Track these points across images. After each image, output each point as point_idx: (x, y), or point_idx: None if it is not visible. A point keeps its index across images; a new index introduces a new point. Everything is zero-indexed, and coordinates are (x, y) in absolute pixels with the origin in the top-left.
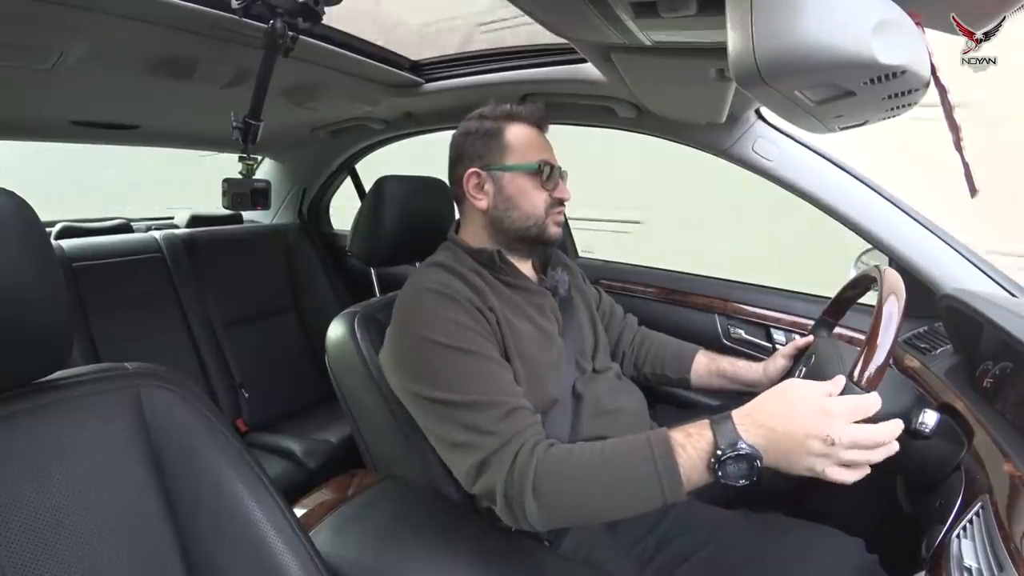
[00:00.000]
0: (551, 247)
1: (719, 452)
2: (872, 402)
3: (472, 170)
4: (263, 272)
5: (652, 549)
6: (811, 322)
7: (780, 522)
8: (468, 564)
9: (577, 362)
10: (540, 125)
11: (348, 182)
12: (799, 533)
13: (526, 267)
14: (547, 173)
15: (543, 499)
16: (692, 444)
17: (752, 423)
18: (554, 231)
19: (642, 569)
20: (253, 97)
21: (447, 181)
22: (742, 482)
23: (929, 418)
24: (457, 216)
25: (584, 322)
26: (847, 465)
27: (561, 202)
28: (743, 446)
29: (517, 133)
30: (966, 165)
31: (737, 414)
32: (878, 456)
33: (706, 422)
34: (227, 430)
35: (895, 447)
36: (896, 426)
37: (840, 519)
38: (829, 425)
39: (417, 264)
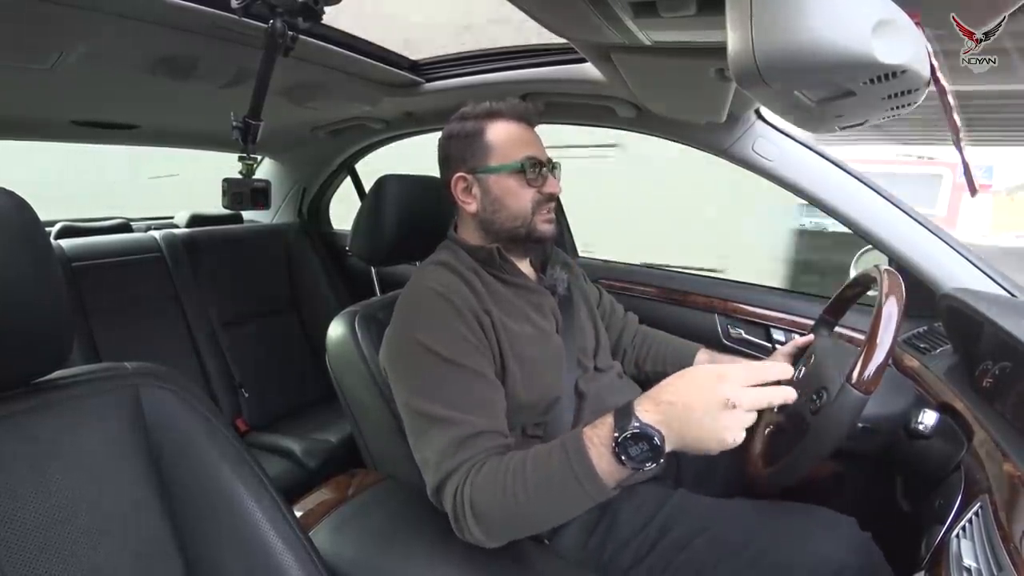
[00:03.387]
0: (546, 245)
1: (616, 435)
2: (769, 366)
3: (459, 175)
4: (263, 272)
5: (652, 539)
6: (811, 322)
7: (777, 505)
8: (466, 563)
9: (579, 360)
10: (525, 120)
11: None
12: (795, 514)
13: (525, 265)
14: (534, 171)
15: (479, 517)
16: (597, 434)
17: (651, 402)
18: (544, 228)
19: (642, 560)
20: (253, 97)
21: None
22: (649, 466)
23: (928, 418)
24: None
25: (585, 321)
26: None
27: (551, 198)
28: (636, 424)
29: (499, 132)
30: (966, 165)
31: (639, 397)
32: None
33: (614, 410)
34: (227, 430)
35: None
36: (785, 369)
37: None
38: (726, 388)
39: (417, 263)
